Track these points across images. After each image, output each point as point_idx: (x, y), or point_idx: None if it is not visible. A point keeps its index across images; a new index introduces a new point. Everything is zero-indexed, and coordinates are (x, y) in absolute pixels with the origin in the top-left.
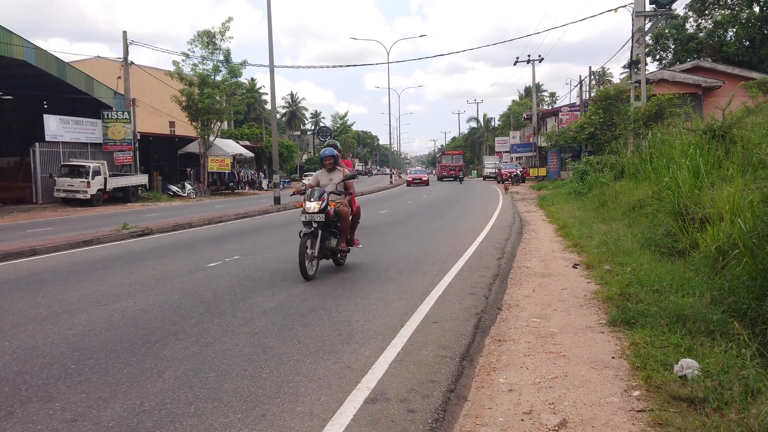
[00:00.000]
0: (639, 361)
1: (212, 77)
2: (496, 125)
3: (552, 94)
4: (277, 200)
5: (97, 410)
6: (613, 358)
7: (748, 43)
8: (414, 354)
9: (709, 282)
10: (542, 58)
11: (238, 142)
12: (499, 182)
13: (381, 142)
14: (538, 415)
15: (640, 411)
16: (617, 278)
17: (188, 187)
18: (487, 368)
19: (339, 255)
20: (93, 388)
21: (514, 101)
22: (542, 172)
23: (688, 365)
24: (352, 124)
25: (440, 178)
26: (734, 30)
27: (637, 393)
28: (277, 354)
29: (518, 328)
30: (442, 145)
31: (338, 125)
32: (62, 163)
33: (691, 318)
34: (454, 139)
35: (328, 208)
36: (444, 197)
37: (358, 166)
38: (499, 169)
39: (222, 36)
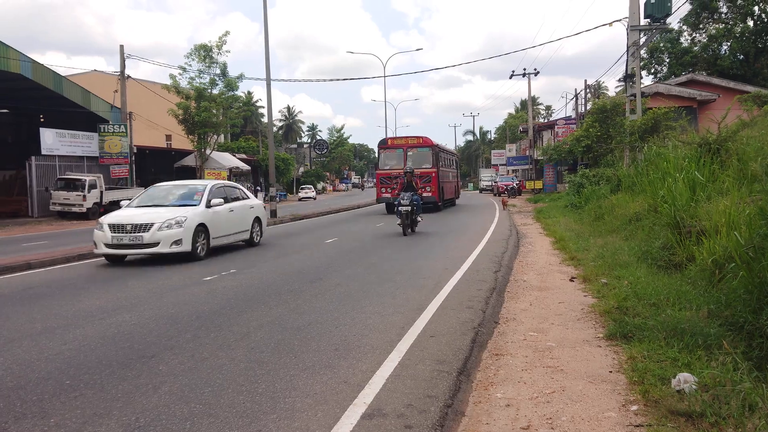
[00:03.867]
0: (636, 375)
1: (209, 91)
2: (492, 138)
3: (548, 107)
4: (273, 213)
5: (92, 426)
6: (610, 372)
7: (742, 56)
8: (411, 369)
9: (705, 295)
10: (538, 72)
11: (234, 155)
12: (495, 195)
13: None
14: (536, 430)
15: (638, 426)
16: (614, 292)
17: None
18: (485, 383)
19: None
20: (88, 404)
21: (510, 114)
22: (539, 185)
23: (685, 379)
24: (348, 137)
25: (385, 205)
26: (728, 44)
27: (634, 408)
28: (274, 369)
29: (515, 342)
30: None
31: (335, 138)
32: (58, 177)
33: (688, 332)
34: None
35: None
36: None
37: (355, 179)
38: (495, 182)
39: (219, 50)
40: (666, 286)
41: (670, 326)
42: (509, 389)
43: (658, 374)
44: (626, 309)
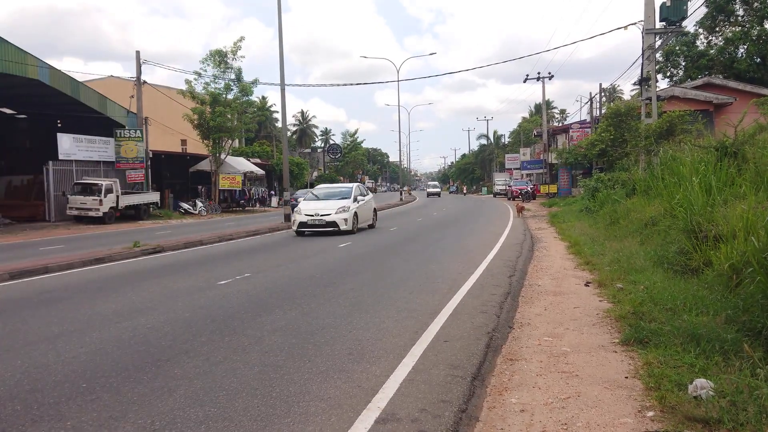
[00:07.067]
0: (653, 381)
1: (224, 96)
2: (506, 142)
3: (562, 111)
4: (287, 217)
5: (108, 429)
6: (626, 377)
7: (759, 59)
8: (425, 373)
9: (722, 300)
10: (552, 75)
11: (249, 160)
12: (509, 199)
13: (391, 159)
14: None
15: None
16: (630, 296)
17: (199, 204)
18: (499, 388)
19: None
20: (104, 407)
21: (524, 118)
22: (553, 188)
23: (702, 385)
24: (362, 142)
25: None
26: (745, 47)
27: (651, 414)
28: (288, 373)
29: (530, 347)
30: (452, 162)
31: (348, 143)
32: (75, 182)
33: (704, 337)
34: (464, 156)
35: None
36: (453, 213)
37: (368, 183)
38: (509, 186)
39: (234, 55)
40: (682, 291)
41: (686, 331)
42: (524, 394)
43: (674, 380)
44: (642, 314)
